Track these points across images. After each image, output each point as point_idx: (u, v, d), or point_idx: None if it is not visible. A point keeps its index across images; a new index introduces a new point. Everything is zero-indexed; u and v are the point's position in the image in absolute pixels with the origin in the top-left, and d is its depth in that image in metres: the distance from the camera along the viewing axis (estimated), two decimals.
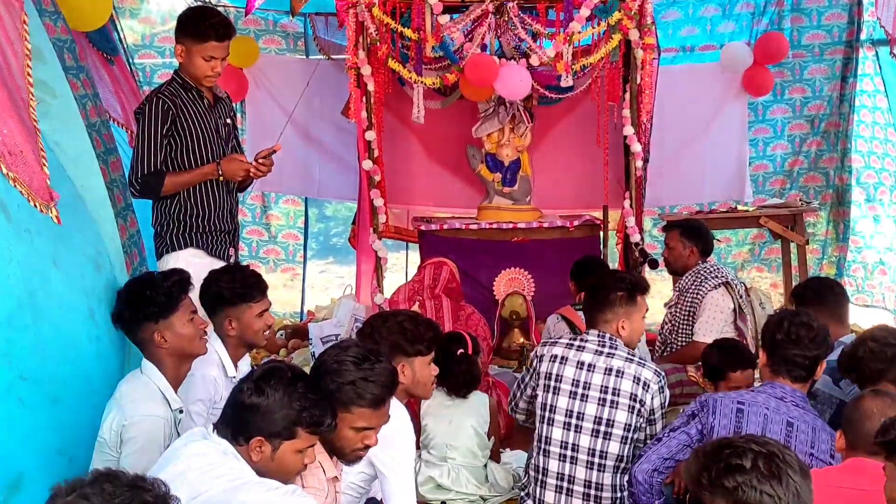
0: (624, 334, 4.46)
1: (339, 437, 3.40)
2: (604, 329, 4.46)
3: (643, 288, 4.55)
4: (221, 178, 5.15)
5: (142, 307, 3.95)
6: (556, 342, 4.52)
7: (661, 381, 4.37)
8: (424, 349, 4.10)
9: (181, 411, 3.97)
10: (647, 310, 4.59)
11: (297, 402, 3.13)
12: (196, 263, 4.87)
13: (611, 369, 4.36)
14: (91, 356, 3.99)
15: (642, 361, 4.41)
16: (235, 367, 4.43)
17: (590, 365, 4.38)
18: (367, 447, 3.48)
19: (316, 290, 10.39)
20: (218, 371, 4.36)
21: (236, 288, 4.41)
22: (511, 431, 5.84)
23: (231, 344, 4.46)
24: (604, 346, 4.42)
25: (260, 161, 5.23)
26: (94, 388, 3.95)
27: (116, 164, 4.98)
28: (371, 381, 3.40)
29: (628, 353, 4.41)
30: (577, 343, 4.47)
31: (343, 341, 3.59)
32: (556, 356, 4.45)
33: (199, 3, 7.88)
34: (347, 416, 3.39)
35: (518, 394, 4.71)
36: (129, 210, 5.00)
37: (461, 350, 5.16)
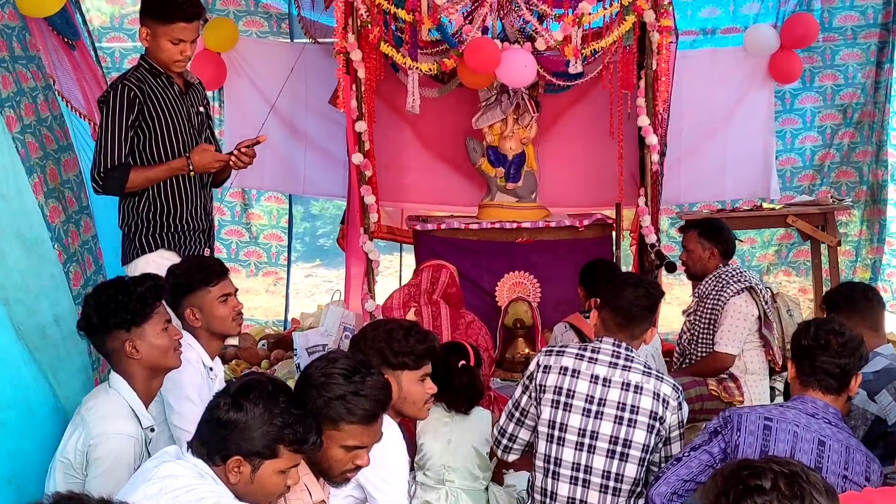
0: (649, 340, 4.51)
1: (328, 456, 3.39)
2: (628, 341, 4.44)
3: (662, 293, 4.62)
4: (192, 173, 5.14)
5: (112, 314, 3.94)
6: (563, 352, 4.48)
7: (679, 396, 4.36)
8: (411, 363, 4.08)
9: (152, 430, 3.96)
10: None
11: (278, 418, 3.12)
12: (167, 266, 4.87)
13: (628, 384, 4.34)
14: (29, 379, 3.99)
15: (660, 375, 4.39)
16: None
17: (605, 379, 4.36)
18: (358, 468, 3.47)
19: (301, 296, 10.39)
20: (194, 354, 4.43)
21: (192, 272, 4.49)
22: None
23: (201, 336, 4.52)
24: (618, 357, 4.39)
25: (242, 150, 5.22)
26: (35, 412, 3.94)
27: (72, 163, 4.98)
28: (362, 395, 3.39)
29: (645, 366, 4.40)
30: (588, 354, 4.44)
31: (331, 352, 3.58)
32: (566, 368, 4.41)
33: None
34: (336, 433, 3.38)
35: (510, 425, 4.59)
36: (83, 213, 5.00)
37: (462, 362, 5.14)
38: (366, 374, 3.44)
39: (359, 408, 3.38)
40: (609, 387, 4.35)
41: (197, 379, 4.38)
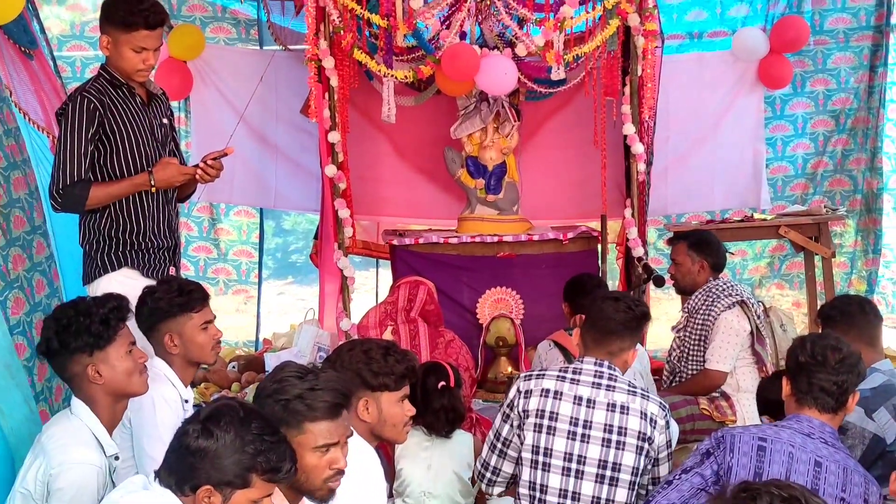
0: (630, 363, 4.50)
1: (303, 468, 3.36)
2: (608, 359, 4.44)
3: (648, 315, 4.63)
4: (154, 189, 5.12)
5: (73, 337, 3.90)
6: (544, 374, 4.47)
7: (666, 414, 4.37)
8: (392, 384, 4.08)
9: (117, 458, 3.93)
10: None
11: (250, 445, 3.10)
12: (130, 286, 4.84)
13: (614, 405, 4.33)
14: None
15: (646, 393, 4.39)
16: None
17: (589, 400, 4.35)
18: (340, 473, 3.44)
19: (273, 315, 10.36)
20: (173, 391, 4.39)
21: (173, 297, 4.47)
22: None
23: (176, 364, 4.49)
24: (601, 376, 4.39)
25: (208, 163, 5.20)
26: None
27: (22, 181, 4.94)
28: (319, 388, 3.38)
29: (630, 385, 4.40)
30: (569, 375, 4.43)
31: (279, 364, 3.57)
32: (547, 391, 4.40)
33: None
34: (303, 438, 3.36)
35: (493, 457, 4.55)
36: (35, 233, 4.96)
37: (442, 383, 5.12)
38: (319, 372, 3.45)
39: (319, 401, 3.37)
40: (594, 408, 4.34)
41: (173, 419, 4.33)
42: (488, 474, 4.59)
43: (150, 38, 5.05)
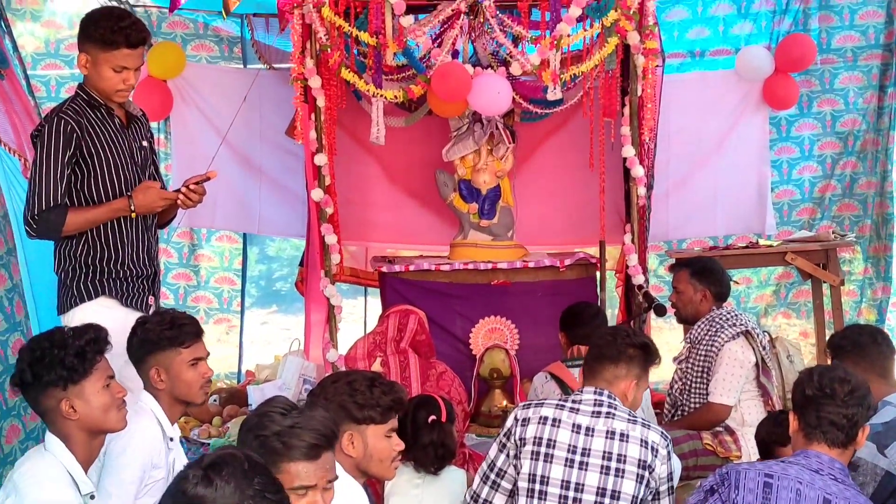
0: (630, 397, 4.50)
1: None
2: (605, 388, 4.47)
3: (657, 356, 4.68)
4: (134, 214, 5.11)
5: (46, 370, 3.88)
6: (543, 403, 4.52)
7: (668, 444, 4.39)
8: (378, 417, 4.07)
9: (92, 496, 3.91)
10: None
11: (250, 500, 3.07)
12: (107, 316, 4.82)
13: (613, 432, 4.36)
14: None
15: (647, 422, 4.43)
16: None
17: (588, 428, 4.38)
18: None
19: (256, 346, 10.34)
20: (155, 428, 4.37)
21: (164, 329, 4.45)
22: None
23: (163, 400, 4.47)
24: (601, 405, 4.43)
25: (191, 188, 5.19)
26: None
27: None
28: (299, 427, 3.34)
29: (630, 414, 4.43)
30: (569, 404, 4.47)
31: (269, 398, 3.55)
32: (545, 418, 4.43)
33: (110, 2, 7.86)
34: (280, 477, 3.33)
35: (484, 489, 4.58)
36: (10, 256, 4.96)
37: (432, 417, 5.12)
38: (305, 409, 3.42)
39: (297, 440, 3.31)
40: (592, 436, 4.37)
41: (146, 458, 4.31)
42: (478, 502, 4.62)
43: (131, 56, 5.04)
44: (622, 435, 4.36)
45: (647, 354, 4.59)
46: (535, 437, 4.42)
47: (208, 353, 4.63)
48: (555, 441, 4.39)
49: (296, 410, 3.38)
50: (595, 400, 4.44)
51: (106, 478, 4.29)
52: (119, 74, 5.04)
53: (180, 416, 4.65)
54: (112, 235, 5.12)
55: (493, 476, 4.55)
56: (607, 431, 4.37)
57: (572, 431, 4.39)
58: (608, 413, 4.41)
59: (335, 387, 4.12)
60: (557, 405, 4.48)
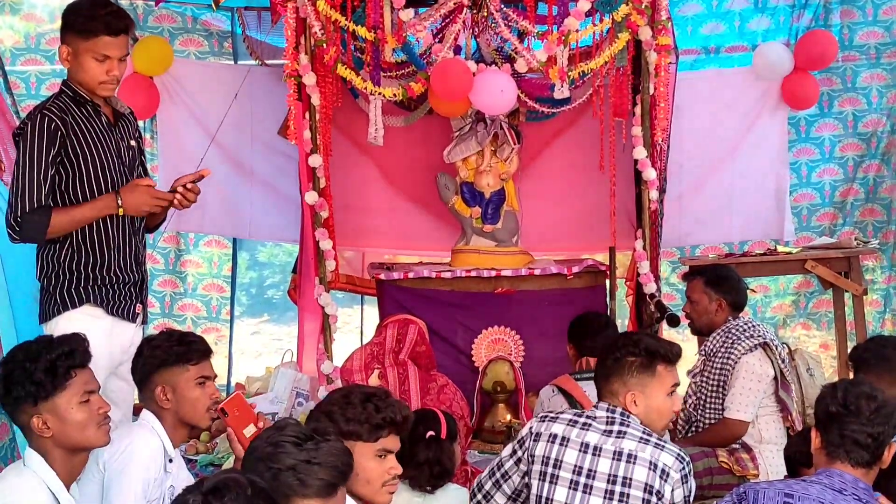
0: (636, 411, 4.45)
1: None
2: (612, 402, 4.45)
3: (667, 355, 4.51)
4: (121, 212, 5.09)
5: (15, 385, 3.87)
6: (557, 417, 4.51)
7: (684, 467, 4.34)
8: (364, 433, 4.04)
9: None
10: (677, 385, 4.56)
11: None
12: (92, 325, 4.82)
13: (620, 453, 4.33)
14: None
15: (661, 443, 4.38)
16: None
17: (595, 448, 4.36)
18: None
19: (247, 357, 10.35)
20: (157, 442, 4.37)
21: (172, 345, 4.46)
22: None
23: (167, 421, 4.45)
24: (613, 423, 4.40)
25: (188, 187, 5.20)
26: None
27: None
28: (316, 463, 3.36)
29: (644, 432, 4.39)
30: (581, 420, 4.45)
31: (280, 421, 3.55)
32: (555, 436, 4.43)
33: None
34: None
35: (489, 482, 4.66)
36: None
37: (430, 433, 5.09)
38: (320, 440, 3.41)
39: (313, 478, 3.34)
40: (599, 456, 4.34)
41: (149, 473, 4.31)
42: (479, 496, 4.71)
43: (112, 45, 5.04)
44: (630, 456, 4.32)
45: (651, 358, 4.49)
46: (543, 456, 4.42)
47: (216, 375, 4.64)
48: (561, 461, 4.38)
49: (311, 441, 3.38)
50: (608, 417, 4.42)
51: (107, 500, 4.28)
52: (101, 65, 5.03)
53: (183, 441, 4.61)
54: (98, 239, 5.10)
55: (498, 474, 4.64)
56: (614, 452, 4.34)
57: (580, 451, 4.37)
58: (619, 432, 4.37)
59: (330, 397, 4.14)
60: (570, 421, 4.46)
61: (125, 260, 5.19)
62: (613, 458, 4.32)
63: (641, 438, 4.36)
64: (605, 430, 4.39)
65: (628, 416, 4.42)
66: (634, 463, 4.30)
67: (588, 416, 4.46)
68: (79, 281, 5.09)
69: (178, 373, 4.46)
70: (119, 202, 5.05)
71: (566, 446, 4.39)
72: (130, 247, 5.21)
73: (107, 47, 5.03)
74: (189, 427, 4.55)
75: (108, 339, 5.01)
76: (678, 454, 4.34)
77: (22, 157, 4.97)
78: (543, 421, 4.51)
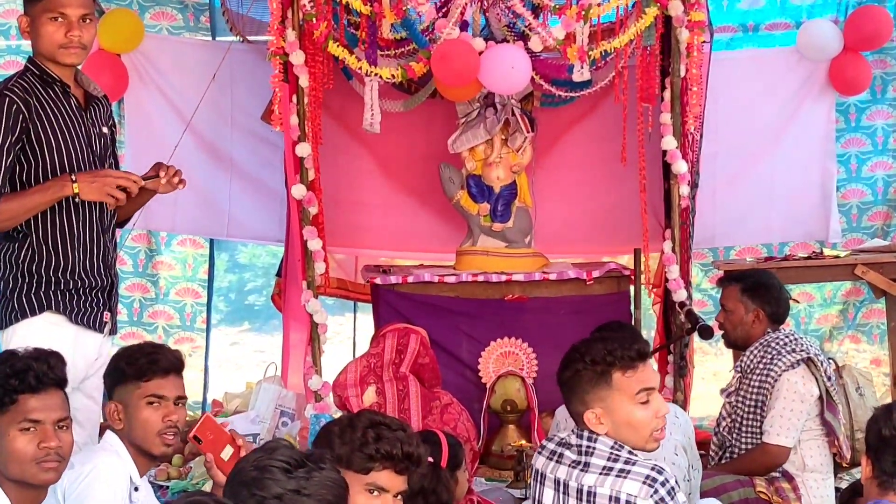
0: (603, 430, 4.33)
1: None
2: (580, 425, 4.39)
3: (621, 359, 4.30)
4: (77, 198, 5.03)
5: None
6: (544, 447, 4.47)
7: (656, 490, 4.10)
8: (355, 462, 3.99)
9: None
10: (650, 388, 4.40)
11: None
12: (54, 335, 4.81)
13: (581, 491, 4.22)
14: None
15: (627, 468, 4.20)
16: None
17: (564, 484, 4.28)
18: None
19: (225, 370, 10.34)
20: (120, 464, 4.35)
21: (134, 359, 4.41)
22: None
23: (127, 444, 4.43)
24: (581, 452, 4.34)
25: (169, 172, 5.22)
26: None
27: None
28: (306, 494, 3.33)
29: (610, 458, 4.26)
30: (559, 449, 4.41)
31: (270, 442, 3.54)
32: (536, 472, 4.41)
33: None
34: None
35: None
36: None
37: (430, 458, 5.09)
38: (313, 468, 3.40)
39: None
40: (568, 495, 4.30)
41: (113, 497, 4.30)
42: None
43: (70, 3, 4.98)
44: (589, 494, 4.19)
45: (604, 366, 4.28)
46: (533, 497, 4.44)
47: (181, 396, 4.53)
48: (542, 502, 4.39)
49: (302, 469, 3.36)
50: (576, 444, 4.35)
51: None
52: (59, 25, 4.97)
53: (148, 469, 4.57)
54: (62, 238, 5.05)
55: None
56: (577, 490, 4.23)
57: (554, 490, 4.31)
58: (583, 463, 4.28)
59: (341, 417, 4.14)
60: (550, 452, 4.40)
61: (92, 262, 5.14)
62: (576, 498, 4.27)
63: (604, 469, 4.22)
64: (572, 461, 4.31)
65: (595, 440, 4.31)
66: (594, 500, 4.24)
67: (563, 444, 4.40)
68: (39, 285, 5.03)
69: (129, 389, 4.42)
70: (74, 185, 4.94)
71: (544, 484, 4.36)
72: (98, 247, 5.17)
73: (65, 4, 4.97)
74: (149, 457, 4.49)
75: (72, 350, 4.96)
76: (647, 476, 4.14)
77: None
78: (537, 453, 4.50)
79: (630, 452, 4.26)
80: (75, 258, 5.09)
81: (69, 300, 5.09)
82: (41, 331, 4.91)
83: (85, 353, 5.11)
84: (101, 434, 4.94)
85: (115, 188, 5.03)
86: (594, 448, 4.28)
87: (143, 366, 4.44)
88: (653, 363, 4.45)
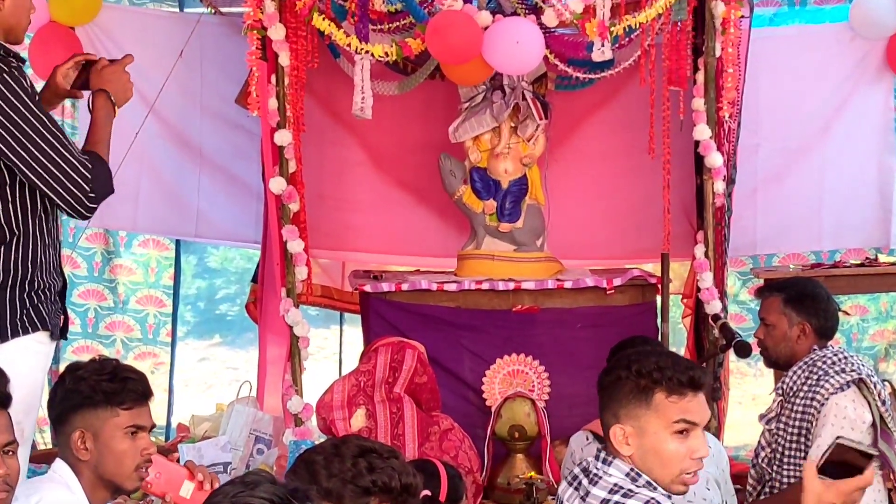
0: (627, 452, 4.33)
1: None
2: (606, 441, 4.38)
3: (671, 380, 4.22)
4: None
5: None
6: (570, 471, 4.47)
7: None
8: (347, 497, 4.02)
9: None
10: (693, 423, 4.41)
11: None
12: (41, 356, 4.86)
13: None
14: None
15: (622, 500, 4.26)
16: None
17: None
18: None
19: (192, 390, 10.38)
20: (68, 497, 4.35)
21: (101, 380, 4.41)
22: None
23: (84, 477, 4.43)
24: (589, 479, 4.32)
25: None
26: None
27: None
28: None
29: (612, 489, 4.26)
30: (581, 476, 4.41)
31: (249, 475, 3.56)
32: (560, 501, 4.42)
33: None
34: None
35: None
36: None
37: (426, 492, 5.12)
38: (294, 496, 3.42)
39: None
40: None
41: None
42: None
43: None
44: None
45: (644, 380, 4.22)
46: None
47: (154, 425, 4.57)
48: None
49: None
50: (594, 464, 4.37)
51: None
52: None
53: None
54: (41, 236, 5.06)
55: None
56: None
57: None
58: (586, 493, 4.29)
59: (323, 443, 4.15)
60: (573, 477, 4.40)
61: (55, 258, 5.17)
62: None
63: (610, 490, 4.25)
64: (585, 490, 4.33)
65: (609, 465, 4.29)
66: None
67: (585, 469, 4.39)
68: (28, 296, 5.04)
69: (104, 417, 4.39)
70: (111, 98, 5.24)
71: None
72: (54, 243, 5.21)
73: None
74: (112, 488, 4.50)
75: (45, 368, 5.03)
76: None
77: (33, 126, 4.94)
78: (564, 479, 4.50)
79: (643, 485, 4.19)
80: (48, 255, 5.11)
81: (49, 313, 5.07)
82: (24, 352, 4.93)
83: (47, 366, 5.17)
84: (37, 461, 4.96)
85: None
86: (600, 477, 4.27)
87: (121, 391, 4.43)
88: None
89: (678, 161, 7.46)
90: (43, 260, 5.08)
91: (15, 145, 4.86)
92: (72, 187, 4.95)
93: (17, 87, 4.89)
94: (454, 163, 7.93)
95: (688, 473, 4.18)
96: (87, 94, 5.36)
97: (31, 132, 4.89)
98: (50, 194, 4.94)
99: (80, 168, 4.94)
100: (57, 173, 4.93)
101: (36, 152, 4.90)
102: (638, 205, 8.14)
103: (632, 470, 4.19)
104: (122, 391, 4.42)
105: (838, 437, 5.97)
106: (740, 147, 7.55)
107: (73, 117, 8.56)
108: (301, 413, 6.88)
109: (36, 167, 4.90)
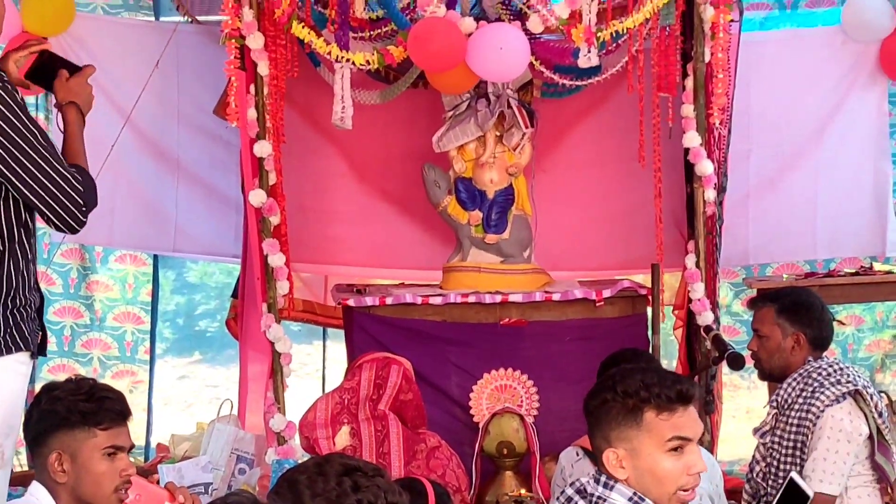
0: (623, 476, 4.33)
1: None
2: (600, 465, 4.39)
3: (658, 396, 4.20)
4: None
5: None
6: (563, 492, 4.47)
7: None
8: None
9: None
10: (686, 439, 4.41)
11: None
12: (19, 376, 4.88)
13: None
14: None
15: None
16: None
17: None
18: None
19: (172, 409, 10.35)
20: None
21: (78, 400, 4.41)
22: None
23: (63, 501, 4.42)
24: (589, 496, 4.32)
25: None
26: None
27: None
28: None
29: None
30: (575, 497, 4.41)
31: (231, 496, 3.57)
32: None
33: None
34: None
35: None
36: None
37: None
38: None
39: None
40: None
41: None
42: None
43: None
44: None
45: (631, 400, 4.20)
46: None
47: (133, 445, 4.58)
48: None
49: None
50: (590, 494, 4.35)
51: None
52: None
53: None
54: (23, 250, 5.06)
55: None
56: None
57: None
58: None
59: (305, 462, 4.15)
60: (567, 499, 4.39)
61: (34, 275, 5.17)
62: None
63: None
64: None
65: (611, 489, 4.32)
66: None
67: (580, 491, 4.38)
68: (12, 314, 5.03)
69: (81, 438, 4.39)
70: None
71: None
72: (34, 256, 5.20)
73: None
74: None
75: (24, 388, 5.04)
76: None
77: (30, 140, 4.94)
78: (556, 500, 4.49)
79: None
80: (29, 271, 5.10)
81: (30, 332, 5.06)
82: (8, 372, 4.93)
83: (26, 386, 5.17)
84: (14, 483, 4.95)
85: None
86: (604, 500, 4.28)
87: (98, 411, 4.43)
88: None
89: (667, 169, 7.47)
90: (25, 276, 5.06)
91: (10, 160, 4.86)
92: (66, 201, 4.95)
93: (10, 101, 4.88)
94: (438, 173, 7.92)
95: (684, 490, 4.18)
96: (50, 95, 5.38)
97: (25, 146, 4.89)
98: (43, 209, 4.93)
99: (73, 181, 4.94)
100: (52, 188, 4.93)
101: (31, 167, 4.90)
102: (627, 214, 8.15)
103: (634, 494, 4.20)
104: (99, 411, 4.42)
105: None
106: (731, 154, 7.56)
107: (47, 128, 8.54)
108: (284, 431, 6.87)
109: (31, 182, 4.90)
